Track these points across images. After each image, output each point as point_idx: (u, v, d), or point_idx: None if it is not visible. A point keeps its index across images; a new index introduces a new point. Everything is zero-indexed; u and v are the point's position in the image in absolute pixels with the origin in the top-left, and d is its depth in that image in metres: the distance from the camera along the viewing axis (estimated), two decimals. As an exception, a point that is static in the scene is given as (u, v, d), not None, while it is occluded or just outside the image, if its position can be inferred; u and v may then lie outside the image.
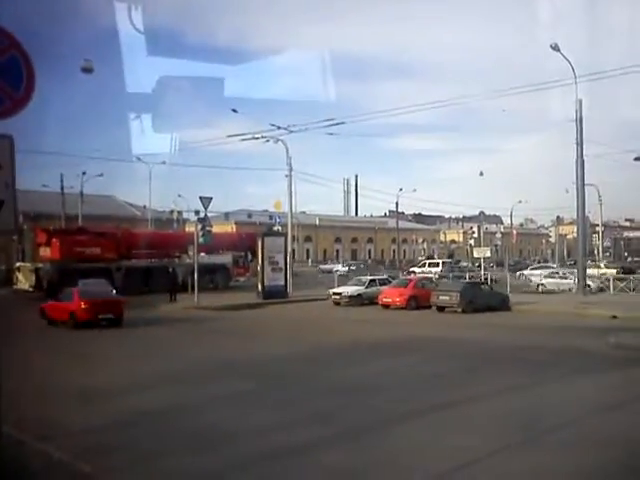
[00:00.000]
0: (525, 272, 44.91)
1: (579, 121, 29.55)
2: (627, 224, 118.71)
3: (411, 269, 51.71)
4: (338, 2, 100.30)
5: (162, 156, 45.00)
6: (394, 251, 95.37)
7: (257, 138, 33.31)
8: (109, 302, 20.73)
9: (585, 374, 11.85)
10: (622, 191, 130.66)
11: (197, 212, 33.80)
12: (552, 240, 78.08)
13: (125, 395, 10.07)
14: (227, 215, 69.93)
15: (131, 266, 34.11)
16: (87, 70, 15.11)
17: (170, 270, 31.28)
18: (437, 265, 50.68)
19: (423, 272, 45.84)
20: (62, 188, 48.63)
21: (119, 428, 8.26)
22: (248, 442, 7.66)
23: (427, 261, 55.47)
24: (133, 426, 8.34)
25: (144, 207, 60.69)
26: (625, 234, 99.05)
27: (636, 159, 35.73)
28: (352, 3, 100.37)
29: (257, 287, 30.40)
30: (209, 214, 30.57)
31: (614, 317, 21.58)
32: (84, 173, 49.64)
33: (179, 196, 60.19)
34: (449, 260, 58.74)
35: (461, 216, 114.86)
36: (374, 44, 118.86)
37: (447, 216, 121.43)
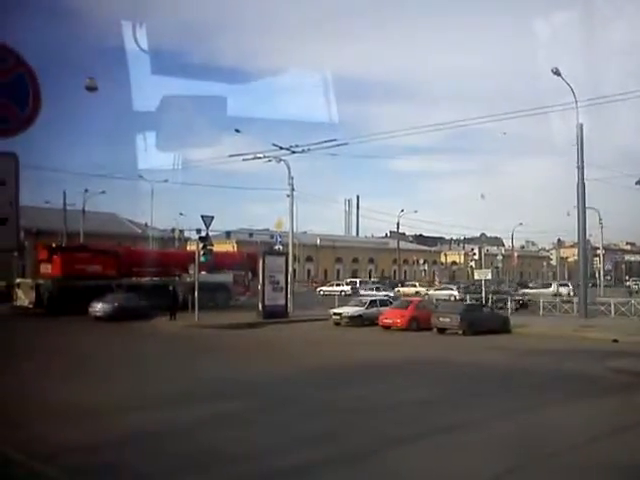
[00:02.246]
0: (429, 292, 53.63)
1: (580, 145, 29.74)
2: (628, 247, 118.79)
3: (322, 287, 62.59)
4: (341, 24, 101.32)
5: (165, 174, 45.17)
6: (395, 272, 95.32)
7: (259, 158, 33.47)
8: None
9: (584, 399, 11.78)
10: (623, 215, 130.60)
11: (198, 231, 33.79)
12: (553, 263, 78.09)
13: (120, 414, 9.99)
14: (228, 234, 69.87)
15: (132, 284, 34.03)
16: (91, 88, 15.23)
17: (171, 288, 31.25)
18: (347, 284, 61.27)
19: (332, 290, 55.39)
20: (64, 205, 48.79)
21: (112, 447, 8.18)
22: (245, 463, 7.59)
23: (336, 281, 67.40)
24: (127, 445, 8.26)
25: (145, 225, 60.85)
26: (626, 257, 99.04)
27: (637, 183, 35.90)
28: (355, 26, 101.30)
29: (257, 306, 30.33)
30: (210, 233, 30.61)
31: (615, 341, 21.50)
32: (86, 190, 49.93)
33: (181, 214, 60.40)
34: (355, 280, 67.79)
35: (462, 238, 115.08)
36: (377, 66, 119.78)
37: (448, 237, 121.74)
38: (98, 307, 29.20)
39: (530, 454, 8.08)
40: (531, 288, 55.28)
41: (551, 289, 51.47)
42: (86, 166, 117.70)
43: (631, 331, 23.69)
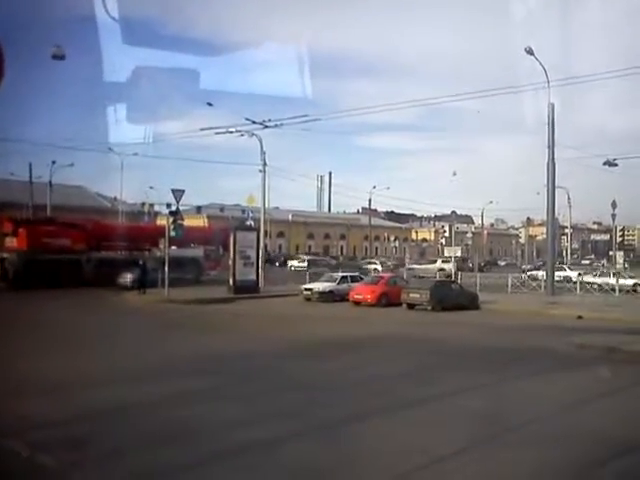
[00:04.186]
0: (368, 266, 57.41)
1: (551, 125, 29.99)
2: (595, 227, 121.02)
3: None
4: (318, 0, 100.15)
5: (135, 147, 44.47)
6: (366, 248, 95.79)
7: (231, 132, 33.13)
8: None
9: (550, 373, 12.02)
10: (591, 194, 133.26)
11: (169, 205, 33.45)
12: (522, 241, 79.25)
13: (90, 389, 9.90)
14: (199, 208, 69.35)
15: (101, 258, 33.67)
16: (58, 57, 14.81)
17: (140, 262, 30.98)
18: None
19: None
20: (30, 177, 47.77)
21: (79, 422, 8.10)
22: (215, 437, 7.60)
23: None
24: (98, 420, 8.21)
25: (115, 199, 60.06)
26: (592, 237, 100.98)
27: (605, 164, 36.42)
28: (332, 2, 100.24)
29: (228, 282, 30.24)
30: (181, 207, 30.28)
31: (580, 317, 21.96)
32: (54, 162, 49.00)
33: (151, 188, 59.68)
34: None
35: (433, 215, 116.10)
36: (353, 43, 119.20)
37: (419, 215, 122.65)
38: (127, 278, 30.97)
39: (496, 427, 8.24)
40: (420, 263, 58.94)
41: (436, 265, 55.51)
42: (53, 138, 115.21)
43: (595, 308, 24.25)
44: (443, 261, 57.76)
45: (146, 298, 27.39)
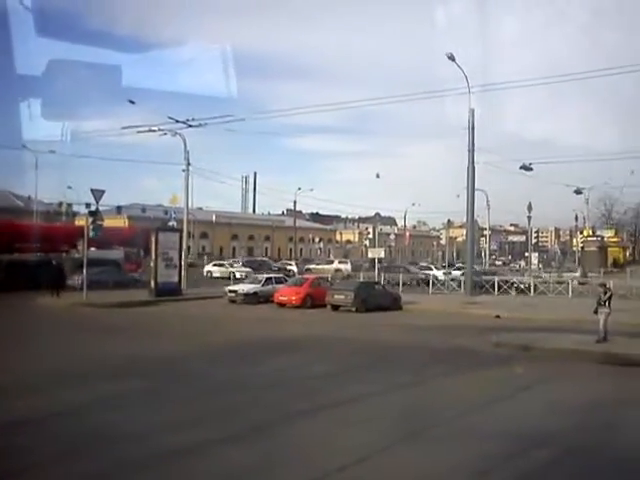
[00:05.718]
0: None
1: (471, 129, 30.88)
2: (512, 229, 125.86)
3: None
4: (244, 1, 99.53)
5: (52, 145, 42.65)
6: (291, 250, 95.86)
7: (154, 131, 32.32)
8: None
9: (467, 372, 12.32)
10: (508, 197, 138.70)
11: (88, 205, 32.31)
12: (443, 242, 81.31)
13: (6, 396, 9.35)
14: (120, 209, 67.31)
15: (12, 260, 32.07)
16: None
17: (54, 263, 29.67)
18: None
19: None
20: None
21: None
22: (143, 442, 7.32)
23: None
24: (14, 430, 7.74)
25: (29, 198, 57.56)
26: (510, 238, 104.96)
27: (521, 168, 37.88)
28: (258, 3, 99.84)
29: (149, 284, 29.48)
30: (101, 207, 29.30)
31: (497, 317, 22.70)
32: (-38, 159, 46.35)
33: (69, 188, 57.47)
34: None
35: (357, 217, 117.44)
36: (278, 44, 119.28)
37: (344, 216, 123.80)
38: (75, 279, 29.57)
39: (417, 424, 8.35)
40: (317, 264, 60.75)
41: (333, 265, 58.30)
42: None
43: (512, 307, 25.14)
44: (340, 262, 60.79)
45: (62, 302, 26.29)
